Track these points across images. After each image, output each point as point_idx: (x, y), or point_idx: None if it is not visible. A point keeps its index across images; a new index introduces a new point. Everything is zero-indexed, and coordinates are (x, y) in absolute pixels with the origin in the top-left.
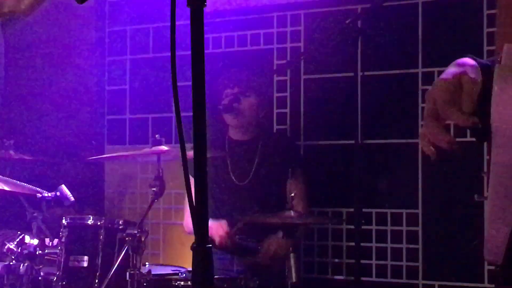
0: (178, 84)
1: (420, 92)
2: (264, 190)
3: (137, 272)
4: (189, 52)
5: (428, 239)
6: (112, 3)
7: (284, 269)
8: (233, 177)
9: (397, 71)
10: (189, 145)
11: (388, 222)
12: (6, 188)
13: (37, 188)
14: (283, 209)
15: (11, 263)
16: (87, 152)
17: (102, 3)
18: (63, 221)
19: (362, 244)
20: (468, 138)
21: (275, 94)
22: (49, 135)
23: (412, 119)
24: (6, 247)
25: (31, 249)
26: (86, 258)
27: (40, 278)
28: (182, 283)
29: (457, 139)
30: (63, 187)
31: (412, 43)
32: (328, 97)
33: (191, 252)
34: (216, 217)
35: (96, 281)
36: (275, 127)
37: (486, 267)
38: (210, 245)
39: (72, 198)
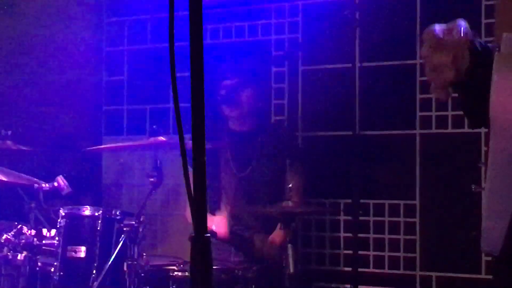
0: (176, 75)
1: (418, 84)
2: (264, 181)
3: (135, 262)
4: (187, 43)
5: (426, 230)
6: None
7: (282, 259)
8: (233, 168)
9: (395, 62)
10: (187, 136)
11: (386, 213)
12: (4, 179)
13: (35, 179)
14: (282, 199)
15: (8, 254)
16: (85, 143)
17: None
18: (61, 212)
19: (359, 235)
20: (465, 130)
21: (273, 85)
22: (46, 126)
23: (410, 110)
24: (3, 237)
25: (29, 240)
26: (83, 248)
27: (37, 268)
28: (180, 273)
29: (454, 130)
30: (61, 177)
31: (410, 34)
32: (326, 88)
33: (189, 243)
34: (216, 208)
35: (94, 271)
36: (273, 118)
37: (483, 258)
38: (209, 235)
39: (69, 189)
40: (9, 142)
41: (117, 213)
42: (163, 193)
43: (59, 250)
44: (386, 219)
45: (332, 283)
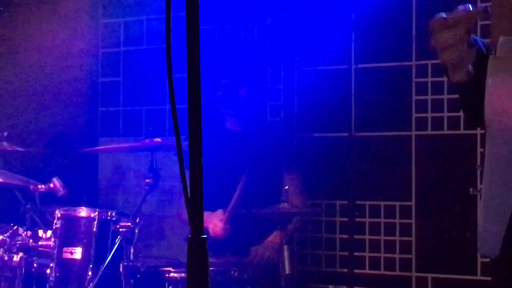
0: (173, 76)
1: (413, 85)
2: (260, 182)
3: (131, 263)
4: (183, 44)
5: (421, 232)
6: None
7: (278, 261)
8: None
9: (391, 64)
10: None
11: (382, 214)
12: (0, 180)
13: (31, 180)
14: (278, 201)
15: (4, 255)
16: (81, 144)
17: None
18: (57, 213)
19: (355, 236)
20: (461, 131)
21: (269, 86)
22: (42, 127)
23: (406, 111)
24: None
25: (25, 241)
26: (79, 249)
27: (33, 269)
28: (176, 275)
29: (450, 132)
30: (57, 179)
31: (405, 35)
32: (322, 89)
33: (185, 244)
34: (212, 208)
35: (90, 272)
36: (269, 119)
37: (479, 259)
38: (205, 236)
39: (65, 190)
40: (4, 143)
41: (113, 214)
42: (159, 194)
43: (55, 251)
44: (382, 220)
45: (328, 285)
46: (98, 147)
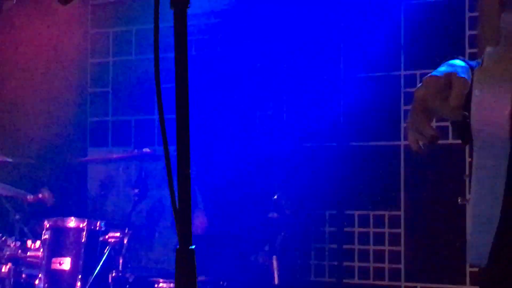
0: (162, 86)
1: (402, 95)
2: (250, 191)
3: (120, 274)
4: (172, 54)
5: (410, 241)
6: (95, 5)
7: (267, 271)
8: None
9: (380, 74)
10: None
11: (371, 224)
12: None
13: (20, 190)
14: (268, 210)
15: None
16: (70, 154)
17: (84, 5)
18: (45, 224)
19: (344, 246)
20: (450, 141)
21: (259, 96)
22: (31, 138)
23: (395, 121)
24: None
25: (13, 252)
26: (68, 260)
27: (22, 280)
28: (165, 285)
29: (439, 141)
30: (46, 189)
31: (394, 46)
32: (311, 99)
33: (174, 254)
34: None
35: (78, 283)
36: (258, 128)
37: (468, 268)
38: (194, 247)
39: (53, 200)
40: None
41: (102, 224)
42: (148, 204)
43: (44, 262)
44: (371, 230)
45: None
46: (87, 157)
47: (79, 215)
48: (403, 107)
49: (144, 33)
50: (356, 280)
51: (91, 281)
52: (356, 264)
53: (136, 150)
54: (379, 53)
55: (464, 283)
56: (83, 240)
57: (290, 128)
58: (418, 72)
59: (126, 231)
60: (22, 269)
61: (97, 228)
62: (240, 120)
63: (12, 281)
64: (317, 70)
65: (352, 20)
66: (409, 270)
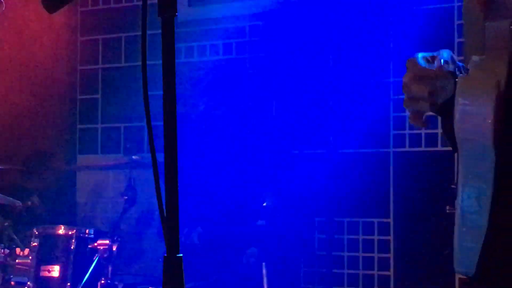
0: (152, 93)
1: (391, 102)
2: (239, 198)
3: (109, 281)
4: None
5: (400, 248)
6: (84, 12)
7: (256, 278)
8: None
9: (369, 81)
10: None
11: (360, 231)
12: None
13: (9, 198)
14: (257, 218)
15: None
16: (59, 162)
17: (74, 12)
18: (34, 231)
19: (334, 253)
20: (439, 148)
21: (249, 104)
22: (21, 145)
23: (384, 128)
24: None
25: (2, 259)
26: (57, 267)
27: (10, 287)
28: None
29: (428, 148)
30: (35, 197)
31: (383, 53)
32: (300, 106)
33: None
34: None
35: None
36: (249, 135)
37: (457, 276)
38: (181, 255)
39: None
40: None
41: (91, 232)
42: (138, 211)
43: (33, 269)
44: (361, 237)
45: None
46: (77, 165)
47: (68, 223)
48: (392, 114)
49: (134, 40)
50: (345, 287)
51: None
52: (346, 271)
53: (125, 158)
54: (368, 61)
55: None
56: (72, 248)
57: (280, 135)
58: None
59: (115, 238)
60: (11, 276)
61: (86, 236)
62: (231, 125)
63: None
64: (305, 78)
65: (343, 27)
66: (398, 277)
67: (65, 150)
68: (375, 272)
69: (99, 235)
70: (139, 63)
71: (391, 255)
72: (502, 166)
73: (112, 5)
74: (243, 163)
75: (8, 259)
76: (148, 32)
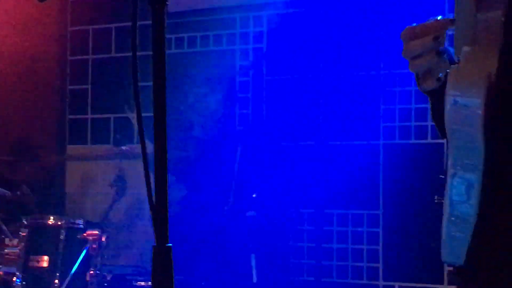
0: (141, 84)
1: (382, 94)
2: (227, 189)
3: (98, 272)
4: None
5: (389, 240)
6: (74, 2)
7: (246, 269)
8: (199, 175)
9: (359, 73)
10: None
11: (349, 223)
12: None
13: None
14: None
15: None
16: (49, 152)
17: (64, 3)
18: (24, 221)
19: (323, 245)
20: (428, 140)
21: (238, 95)
22: (10, 135)
23: (374, 121)
24: None
25: None
26: (46, 258)
27: None
28: (143, 283)
29: (417, 141)
30: (24, 187)
31: (374, 45)
32: (291, 98)
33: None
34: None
35: (56, 281)
36: (237, 127)
37: (446, 268)
38: (170, 245)
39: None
40: None
41: (80, 222)
42: (127, 202)
43: (22, 260)
44: (350, 229)
45: None
46: (66, 155)
47: (57, 213)
48: (382, 107)
49: (124, 31)
50: (334, 279)
51: (69, 279)
52: (335, 263)
53: (115, 148)
54: (359, 53)
55: (442, 283)
56: (61, 238)
57: (269, 127)
58: (397, 72)
59: (104, 229)
60: (0, 266)
61: (76, 226)
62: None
63: None
64: (296, 69)
65: (335, 20)
66: (388, 269)
67: (55, 141)
68: (364, 264)
69: (88, 225)
70: (130, 53)
71: (380, 247)
72: (492, 157)
73: None
74: (234, 155)
75: None
76: (139, 22)
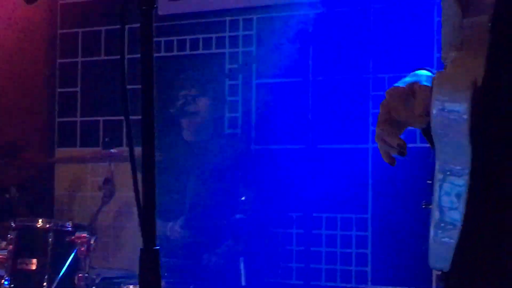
0: (130, 87)
1: (371, 98)
2: (216, 192)
3: (86, 275)
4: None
5: (377, 244)
6: (64, 4)
7: (234, 272)
8: (187, 179)
9: (348, 77)
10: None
11: (338, 226)
12: None
13: None
14: (235, 212)
15: None
16: (38, 154)
17: (53, 5)
18: (12, 224)
19: (312, 248)
20: (418, 144)
21: (227, 98)
22: None
23: (363, 124)
24: None
25: None
26: (34, 260)
27: None
28: (132, 286)
29: (407, 145)
30: (13, 189)
31: (363, 49)
32: (280, 102)
33: None
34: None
35: (45, 284)
36: (227, 131)
37: (434, 272)
38: (158, 248)
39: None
40: None
41: (69, 225)
42: (116, 204)
43: (10, 262)
44: (338, 232)
45: None
46: (55, 158)
47: (46, 216)
48: (371, 110)
49: (114, 33)
50: (323, 282)
51: (57, 282)
52: (323, 266)
53: (104, 151)
54: (348, 56)
55: (430, 287)
56: (50, 241)
57: (259, 130)
58: (386, 76)
59: (93, 232)
60: None
61: (64, 229)
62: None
63: None
64: (285, 72)
65: (320, 24)
66: (376, 273)
67: (44, 143)
68: (353, 267)
69: (77, 228)
70: (119, 56)
71: (368, 251)
72: (479, 162)
73: None
74: (222, 157)
75: None
76: (128, 25)
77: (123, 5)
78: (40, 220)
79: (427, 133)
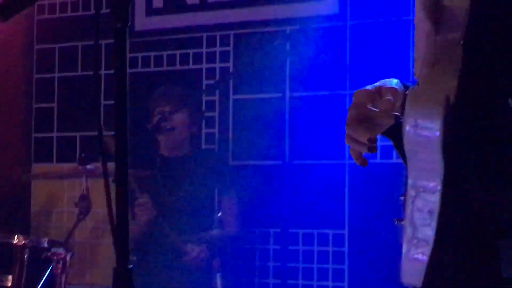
0: (106, 102)
1: (347, 114)
2: (194, 208)
3: None
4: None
5: (355, 260)
6: (40, 20)
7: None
8: (165, 194)
9: (325, 92)
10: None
11: (315, 242)
12: None
13: None
14: (212, 227)
15: None
16: (14, 170)
17: (30, 20)
18: None
19: (288, 264)
20: (394, 160)
21: (204, 114)
22: None
23: (339, 140)
24: None
25: None
26: (10, 277)
27: None
28: None
29: (383, 161)
30: None
31: (340, 64)
32: (257, 117)
33: None
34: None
35: None
36: (204, 146)
37: None
38: (131, 266)
39: None
40: None
41: (45, 241)
42: (92, 221)
43: None
44: (315, 248)
45: None
46: (32, 173)
47: (22, 232)
48: None
49: (91, 49)
50: None
51: None
52: (300, 282)
53: (80, 167)
54: (325, 73)
55: None
56: (25, 257)
57: (235, 145)
58: None
59: (69, 248)
60: None
61: (40, 245)
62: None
63: None
64: (262, 88)
65: (298, 37)
66: None
67: (20, 159)
68: (330, 283)
69: (53, 244)
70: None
71: (345, 267)
72: (451, 179)
73: (69, 14)
74: (199, 172)
75: None
76: (105, 41)
77: (97, 22)
78: (15, 237)
79: (399, 146)
